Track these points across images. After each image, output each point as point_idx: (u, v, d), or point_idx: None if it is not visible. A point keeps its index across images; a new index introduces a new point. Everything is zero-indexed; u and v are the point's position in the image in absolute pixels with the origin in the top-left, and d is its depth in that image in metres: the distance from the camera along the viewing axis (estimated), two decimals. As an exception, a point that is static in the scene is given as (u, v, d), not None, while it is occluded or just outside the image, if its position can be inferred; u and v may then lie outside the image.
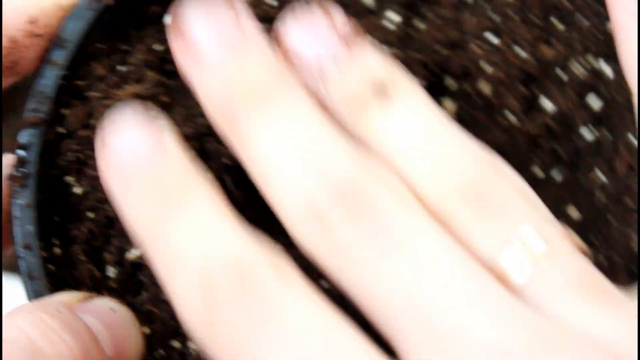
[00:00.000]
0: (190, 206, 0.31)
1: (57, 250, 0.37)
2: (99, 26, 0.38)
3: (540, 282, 0.29)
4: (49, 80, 0.37)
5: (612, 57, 0.39)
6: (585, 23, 0.39)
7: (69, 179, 0.38)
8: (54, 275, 0.37)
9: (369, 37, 0.34)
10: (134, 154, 0.31)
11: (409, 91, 0.32)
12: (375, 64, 0.32)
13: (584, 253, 0.31)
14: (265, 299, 0.29)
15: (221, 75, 0.32)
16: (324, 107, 0.32)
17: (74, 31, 0.38)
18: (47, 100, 0.37)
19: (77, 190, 0.38)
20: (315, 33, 0.32)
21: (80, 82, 0.38)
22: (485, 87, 0.40)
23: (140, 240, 0.32)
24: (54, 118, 0.38)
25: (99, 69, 0.38)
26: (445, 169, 0.31)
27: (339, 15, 0.33)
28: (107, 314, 0.34)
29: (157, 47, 0.39)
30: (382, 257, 0.29)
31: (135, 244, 0.33)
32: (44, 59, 0.38)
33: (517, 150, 0.39)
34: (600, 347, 0.28)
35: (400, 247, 0.29)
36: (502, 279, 0.29)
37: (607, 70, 0.39)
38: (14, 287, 0.40)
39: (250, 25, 0.32)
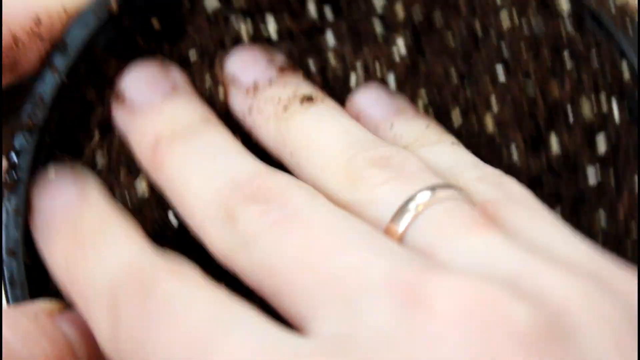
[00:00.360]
0: (103, 243, 0.33)
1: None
2: (103, 35, 0.38)
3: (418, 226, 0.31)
4: (47, 85, 0.37)
5: (622, 97, 0.38)
6: (597, 62, 0.39)
7: None
8: (37, 283, 0.36)
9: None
10: (55, 208, 0.35)
11: (329, 102, 0.37)
12: (304, 86, 0.38)
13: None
14: (161, 295, 0.30)
15: (154, 119, 0.36)
16: (250, 113, 0.37)
17: (78, 38, 0.37)
18: (43, 105, 0.37)
19: None
20: (254, 63, 0.38)
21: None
22: (490, 124, 0.39)
23: (58, 282, 0.34)
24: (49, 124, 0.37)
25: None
26: (355, 148, 0.34)
27: (279, 55, 0.39)
28: (84, 325, 0.33)
29: None
30: (278, 231, 0.30)
31: None
32: (44, 63, 0.37)
33: None
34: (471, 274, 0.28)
35: (295, 219, 0.31)
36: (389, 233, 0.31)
37: (616, 111, 0.38)
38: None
39: (181, 79, 0.38)
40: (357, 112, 0.38)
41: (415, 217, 0.30)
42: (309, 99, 0.37)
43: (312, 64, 0.40)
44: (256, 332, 0.27)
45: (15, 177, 0.36)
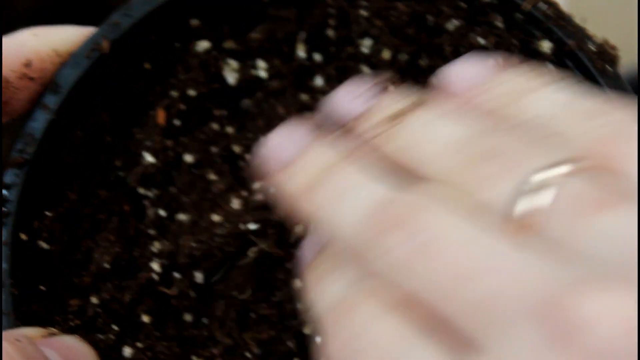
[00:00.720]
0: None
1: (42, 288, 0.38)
2: (94, 76, 0.39)
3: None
4: (39, 123, 0.38)
5: None
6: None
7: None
8: (26, 313, 0.36)
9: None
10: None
11: (423, 113, 0.35)
12: (393, 101, 0.36)
13: None
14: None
15: (295, 175, 0.35)
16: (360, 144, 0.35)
17: (69, 78, 0.39)
18: (34, 142, 0.38)
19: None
20: (353, 95, 0.37)
21: None
22: None
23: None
24: (40, 160, 0.38)
25: None
26: (460, 154, 0.32)
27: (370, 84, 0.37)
28: (69, 350, 0.34)
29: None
30: (421, 260, 0.29)
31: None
32: (37, 102, 0.38)
33: None
34: None
35: (432, 246, 0.29)
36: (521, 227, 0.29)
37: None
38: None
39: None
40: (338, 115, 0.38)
41: (539, 207, 0.28)
42: (401, 116, 0.36)
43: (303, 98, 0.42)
44: None
45: (5, 211, 0.37)
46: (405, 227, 0.30)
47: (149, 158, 0.41)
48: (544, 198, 0.28)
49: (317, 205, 0.34)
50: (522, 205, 0.28)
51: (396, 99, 0.36)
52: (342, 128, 0.37)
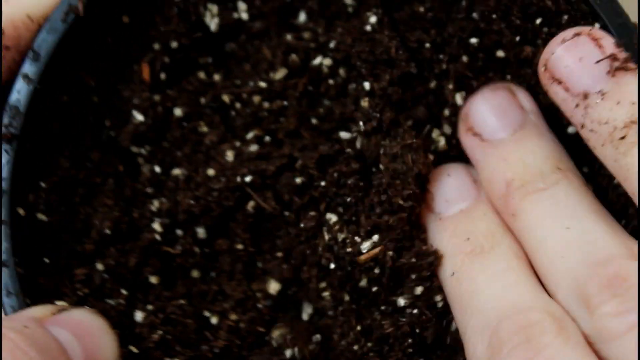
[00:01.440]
0: (488, 261, 0.35)
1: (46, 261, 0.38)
2: (73, 39, 0.38)
3: None
4: (22, 94, 0.37)
5: None
6: (567, 21, 0.38)
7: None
8: (33, 288, 0.36)
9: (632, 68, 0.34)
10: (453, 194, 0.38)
11: None
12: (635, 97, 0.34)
13: None
14: (543, 355, 0.31)
15: (501, 158, 0.36)
16: (583, 129, 0.35)
17: (47, 44, 0.38)
18: (20, 115, 0.37)
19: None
20: (580, 57, 0.35)
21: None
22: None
23: (442, 270, 0.36)
24: (28, 132, 0.37)
25: None
26: None
27: (609, 45, 0.35)
28: (79, 325, 0.34)
29: None
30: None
31: None
32: (17, 73, 0.37)
33: None
34: None
35: None
36: None
37: None
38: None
39: (531, 107, 0.38)
40: (557, 78, 0.36)
41: None
42: None
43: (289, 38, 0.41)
44: None
45: None
46: (625, 295, 0.31)
47: (138, 116, 0.40)
48: None
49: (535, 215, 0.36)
50: None
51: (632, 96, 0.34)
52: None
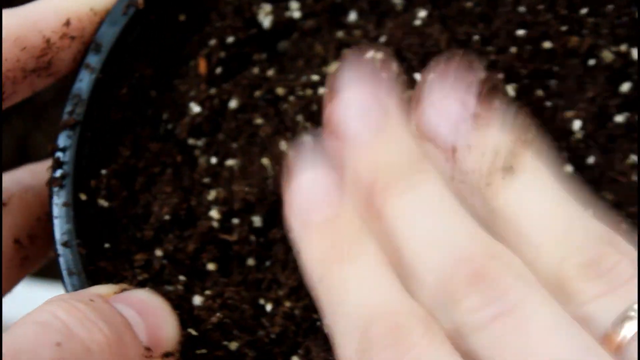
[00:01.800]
0: (357, 258, 0.35)
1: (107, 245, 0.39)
2: (133, 32, 0.39)
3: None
4: (85, 83, 0.38)
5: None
6: (614, 15, 0.39)
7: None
8: (94, 271, 0.37)
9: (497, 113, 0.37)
10: (316, 202, 0.37)
11: (533, 169, 0.36)
12: (502, 148, 0.36)
13: None
14: (410, 355, 0.32)
15: (364, 161, 0.37)
16: (453, 181, 0.36)
17: (109, 36, 0.39)
18: (83, 102, 0.38)
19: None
20: (447, 117, 0.37)
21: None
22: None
23: (310, 276, 0.36)
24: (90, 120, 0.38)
25: None
26: (567, 245, 0.34)
27: (473, 103, 0.37)
28: (142, 303, 0.34)
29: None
30: (496, 322, 0.32)
31: None
32: (80, 63, 0.38)
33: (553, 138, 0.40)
34: None
35: (513, 314, 0.32)
36: (608, 342, 0.32)
37: (636, 55, 0.39)
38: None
39: (394, 107, 0.37)
40: (428, 137, 0.37)
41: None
42: (510, 168, 0.36)
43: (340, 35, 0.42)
44: None
45: (62, 173, 0.37)
46: (491, 290, 0.33)
47: (195, 108, 0.41)
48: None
49: (399, 210, 0.35)
50: (627, 330, 0.32)
51: (503, 142, 0.36)
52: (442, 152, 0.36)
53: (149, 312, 0.34)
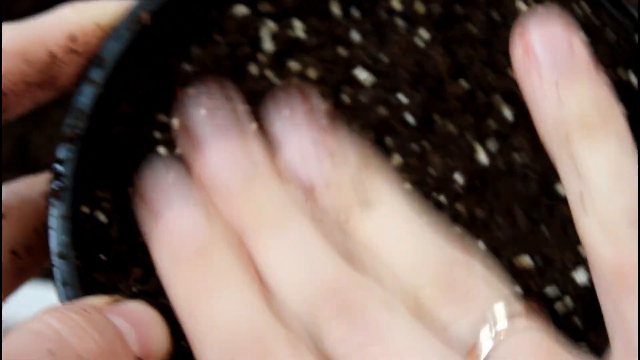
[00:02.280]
0: (227, 287, 0.36)
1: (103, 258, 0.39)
2: (137, 48, 0.40)
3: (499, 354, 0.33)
4: (86, 97, 0.39)
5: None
6: (612, 38, 0.40)
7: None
8: (89, 283, 0.38)
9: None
10: (182, 236, 0.36)
11: (388, 200, 0.37)
12: (355, 177, 0.38)
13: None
14: None
15: (236, 203, 0.37)
16: (317, 215, 0.37)
17: (113, 51, 0.39)
18: (84, 116, 0.39)
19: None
20: (307, 161, 0.38)
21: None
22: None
23: (180, 312, 0.36)
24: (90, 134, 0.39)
25: None
26: (424, 272, 0.36)
27: (328, 142, 0.38)
28: (134, 315, 0.35)
29: None
30: (364, 349, 0.33)
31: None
32: (82, 77, 0.39)
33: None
34: None
35: (379, 340, 0.33)
36: (471, 356, 0.34)
37: (635, 81, 0.39)
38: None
39: (260, 157, 0.38)
40: (289, 178, 0.38)
41: (495, 346, 0.34)
42: (367, 202, 0.37)
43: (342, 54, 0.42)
44: None
45: (60, 185, 0.38)
46: (355, 318, 0.34)
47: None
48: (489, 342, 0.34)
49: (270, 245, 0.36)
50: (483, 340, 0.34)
51: (356, 175, 0.37)
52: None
53: (141, 323, 0.35)
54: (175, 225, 0.37)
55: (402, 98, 0.41)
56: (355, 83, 0.42)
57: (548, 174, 0.40)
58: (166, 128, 0.42)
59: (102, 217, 0.39)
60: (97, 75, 0.39)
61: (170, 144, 0.41)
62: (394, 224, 0.37)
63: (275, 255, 0.36)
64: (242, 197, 0.37)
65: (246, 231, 0.37)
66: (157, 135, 0.42)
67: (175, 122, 0.41)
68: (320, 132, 0.38)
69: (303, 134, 0.38)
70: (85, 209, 0.39)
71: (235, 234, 0.37)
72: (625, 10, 0.40)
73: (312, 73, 0.42)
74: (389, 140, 0.41)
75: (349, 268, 0.36)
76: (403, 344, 0.33)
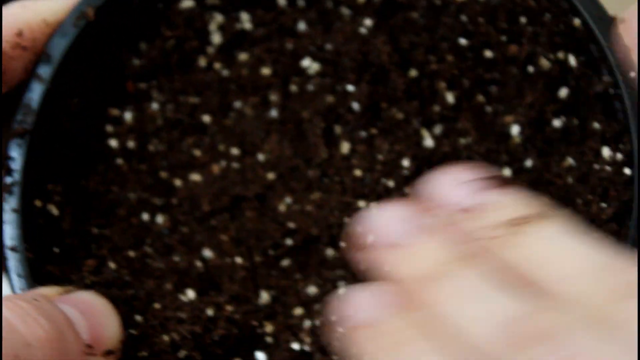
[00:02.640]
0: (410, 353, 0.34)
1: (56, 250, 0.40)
2: (83, 43, 0.41)
3: None
4: (34, 93, 0.40)
5: (577, 49, 0.40)
6: (552, 23, 0.41)
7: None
8: (42, 275, 0.38)
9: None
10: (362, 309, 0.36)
11: (553, 217, 0.35)
12: (510, 209, 0.36)
13: None
14: None
15: (408, 258, 0.36)
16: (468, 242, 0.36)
17: (59, 47, 0.40)
18: (32, 112, 0.39)
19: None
20: (457, 191, 0.37)
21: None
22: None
23: None
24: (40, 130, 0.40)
25: None
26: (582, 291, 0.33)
27: (475, 174, 0.37)
28: (85, 304, 0.36)
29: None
30: None
31: None
32: (31, 73, 0.40)
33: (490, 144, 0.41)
34: None
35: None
36: None
37: (574, 63, 0.40)
38: None
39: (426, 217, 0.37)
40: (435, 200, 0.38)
41: None
42: (530, 220, 0.35)
43: (289, 45, 0.43)
44: None
45: (12, 180, 0.39)
46: (548, 344, 0.32)
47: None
48: None
49: (438, 298, 0.35)
50: None
51: (516, 202, 0.36)
52: (448, 217, 0.37)
53: (91, 312, 0.35)
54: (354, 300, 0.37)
55: (349, 86, 0.42)
56: (303, 73, 0.43)
57: (491, 155, 0.41)
58: (118, 121, 0.42)
59: (54, 211, 0.40)
60: (44, 71, 0.40)
61: (122, 137, 0.42)
62: (550, 249, 0.35)
63: (450, 300, 0.35)
64: (413, 250, 0.37)
65: (420, 281, 0.36)
66: (109, 128, 0.42)
67: (127, 115, 0.42)
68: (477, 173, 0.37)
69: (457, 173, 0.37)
70: (37, 203, 0.40)
71: (407, 290, 0.36)
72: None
73: (261, 64, 0.43)
74: (337, 128, 0.42)
75: (527, 297, 0.34)
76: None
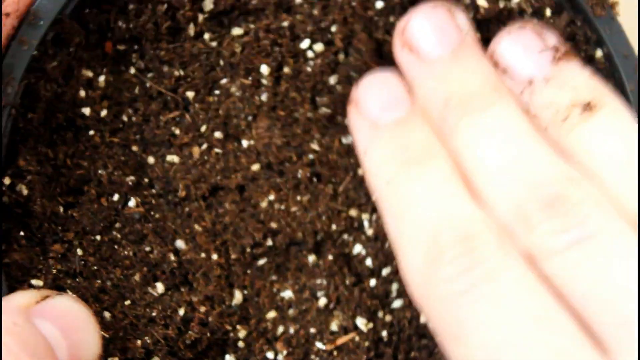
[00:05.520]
0: (426, 171, 0.34)
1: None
2: (70, 4, 0.37)
3: None
4: (16, 59, 0.36)
5: None
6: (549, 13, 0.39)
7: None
8: (7, 263, 0.36)
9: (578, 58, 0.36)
10: (387, 102, 0.36)
11: (612, 110, 0.35)
12: (581, 83, 0.35)
13: None
14: (485, 266, 0.32)
15: (439, 76, 0.36)
16: (528, 113, 0.35)
17: (47, 8, 0.36)
18: (14, 81, 0.36)
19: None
20: (529, 51, 0.36)
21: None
22: None
23: (377, 178, 0.35)
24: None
25: None
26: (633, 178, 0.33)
27: (551, 37, 0.36)
28: (64, 318, 0.34)
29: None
30: (578, 247, 0.32)
31: None
32: (13, 37, 0.36)
33: None
34: None
35: (595, 242, 0.32)
36: None
37: None
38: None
39: (468, 29, 0.36)
40: (503, 67, 0.37)
41: None
42: (587, 107, 0.35)
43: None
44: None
45: None
46: (568, 216, 0.32)
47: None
48: None
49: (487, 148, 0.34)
50: None
51: (588, 84, 0.35)
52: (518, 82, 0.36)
53: (71, 328, 0.33)
54: (377, 88, 0.37)
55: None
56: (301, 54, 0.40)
57: None
58: (91, 86, 0.39)
59: (24, 191, 0.37)
60: (29, 34, 0.36)
61: (95, 105, 0.39)
62: (615, 135, 0.34)
63: (479, 136, 0.34)
64: (448, 64, 0.36)
65: (450, 101, 0.35)
66: (82, 93, 0.39)
67: (101, 78, 0.39)
68: (547, 29, 0.36)
69: (527, 26, 0.36)
70: (6, 181, 0.36)
71: (437, 108, 0.36)
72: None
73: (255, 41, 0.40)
74: (338, 118, 0.40)
75: (563, 161, 0.34)
76: (616, 250, 0.32)
